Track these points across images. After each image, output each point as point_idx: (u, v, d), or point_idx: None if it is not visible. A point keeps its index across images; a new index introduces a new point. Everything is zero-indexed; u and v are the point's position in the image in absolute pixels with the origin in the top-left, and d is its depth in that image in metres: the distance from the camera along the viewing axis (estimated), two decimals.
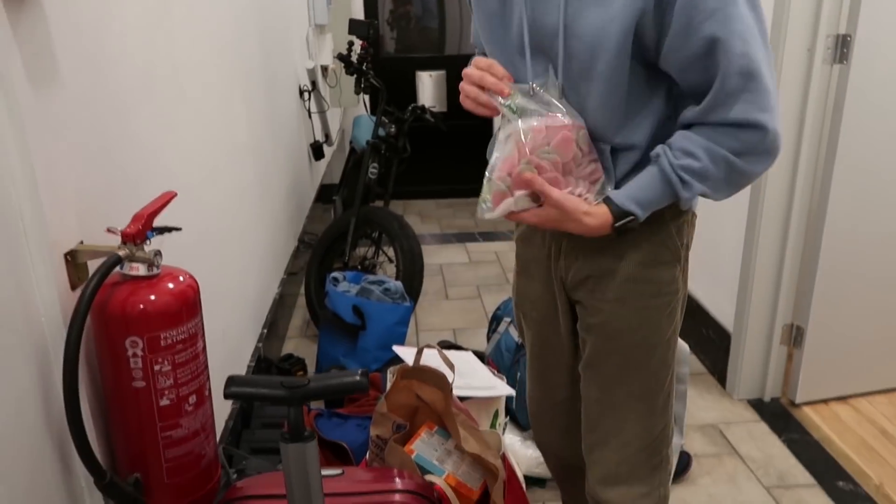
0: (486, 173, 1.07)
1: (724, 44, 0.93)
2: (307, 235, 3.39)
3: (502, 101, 1.05)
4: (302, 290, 2.93)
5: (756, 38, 0.94)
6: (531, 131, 1.03)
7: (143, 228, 1.06)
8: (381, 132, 3.00)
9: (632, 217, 1.04)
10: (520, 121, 1.04)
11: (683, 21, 0.94)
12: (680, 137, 1.02)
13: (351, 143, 3.43)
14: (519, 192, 1.05)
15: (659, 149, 1.03)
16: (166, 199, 1.13)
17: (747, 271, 2.30)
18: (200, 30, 1.78)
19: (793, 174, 2.18)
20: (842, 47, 2.04)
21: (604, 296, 1.14)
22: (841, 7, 2.03)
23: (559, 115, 1.04)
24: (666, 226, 1.11)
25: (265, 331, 2.33)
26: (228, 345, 1.88)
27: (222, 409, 1.81)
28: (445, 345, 2.35)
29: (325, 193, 4.05)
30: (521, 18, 1.05)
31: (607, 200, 1.05)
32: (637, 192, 1.03)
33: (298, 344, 2.75)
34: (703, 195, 1.04)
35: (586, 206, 1.04)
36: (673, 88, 1.05)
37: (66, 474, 0.98)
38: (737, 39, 0.93)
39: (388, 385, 1.51)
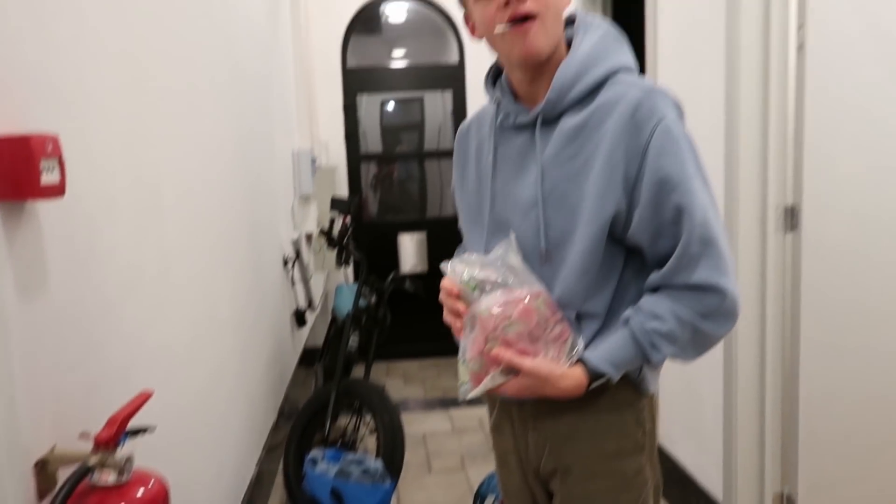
0: (459, 357, 1.11)
1: (688, 212, 1.03)
2: (288, 404, 3.35)
3: (463, 279, 1.11)
4: (280, 467, 2.84)
5: (710, 210, 1.05)
6: (491, 309, 1.08)
7: (116, 433, 1.06)
8: (362, 303, 3.07)
9: (606, 377, 1.07)
10: (480, 301, 1.10)
11: (653, 194, 1.04)
12: (648, 301, 1.08)
13: (333, 311, 3.49)
14: (493, 369, 1.09)
15: (629, 311, 1.08)
16: (142, 401, 1.14)
17: (730, 438, 2.29)
18: (190, 220, 1.86)
19: (761, 340, 2.24)
20: (791, 217, 2.17)
21: (571, 491, 1.14)
22: (785, 180, 2.19)
23: (517, 286, 1.10)
24: (624, 415, 1.13)
25: None
26: None
27: None
28: None
29: (308, 358, 4.05)
30: (494, 194, 1.16)
31: (582, 361, 1.08)
32: (609, 354, 1.07)
33: None
34: (673, 357, 1.09)
35: (560, 370, 1.07)
36: (628, 259, 1.13)
37: None
38: (697, 209, 1.03)
39: None
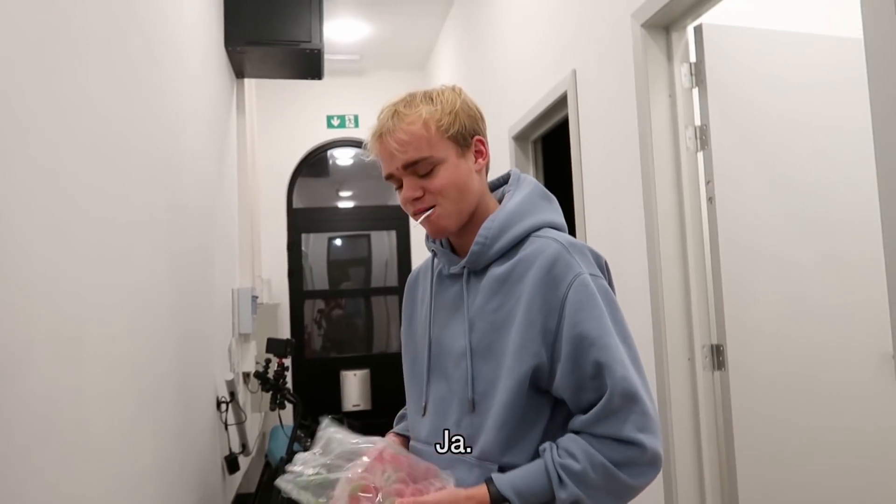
0: None
1: (608, 368, 1.05)
2: None
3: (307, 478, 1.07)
4: None
5: (631, 365, 1.08)
6: (358, 473, 1.05)
7: None
8: (296, 447, 2.96)
9: (507, 502, 1.04)
10: (341, 480, 1.05)
11: (571, 349, 1.06)
12: (566, 439, 1.08)
13: (266, 455, 3.34)
14: None
15: (546, 444, 1.08)
16: None
17: None
18: (113, 363, 1.81)
19: (699, 472, 2.25)
20: (718, 355, 2.25)
21: None
22: (709, 320, 2.29)
23: (362, 445, 1.09)
24: None
25: None
26: None
27: None
28: None
29: (242, 503, 3.81)
30: (431, 341, 1.20)
31: (489, 481, 1.06)
32: (518, 481, 1.05)
33: None
34: (579, 501, 1.04)
35: (465, 491, 1.05)
36: (555, 411, 1.13)
37: None
38: (617, 365, 1.05)
39: None
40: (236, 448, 3.62)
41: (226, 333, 3.72)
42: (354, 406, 3.83)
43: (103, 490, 1.71)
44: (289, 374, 3.24)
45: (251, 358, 4.45)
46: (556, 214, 1.22)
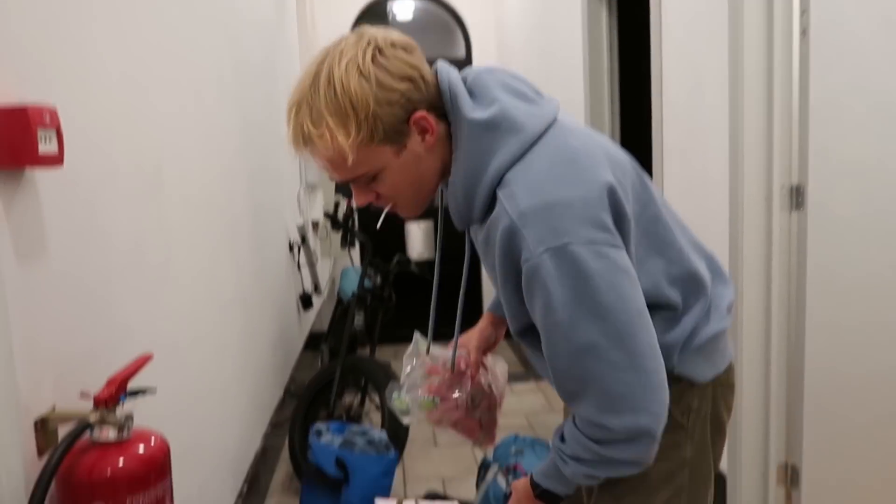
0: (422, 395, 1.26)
1: (550, 361, 1.00)
2: (294, 384, 3.37)
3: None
4: (287, 442, 2.87)
5: (575, 352, 0.95)
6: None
7: (115, 392, 1.08)
8: (367, 283, 3.08)
9: (544, 489, 1.10)
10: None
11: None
12: (567, 421, 1.07)
13: (338, 293, 3.51)
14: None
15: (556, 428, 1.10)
16: (141, 363, 1.16)
17: (735, 412, 2.28)
18: (191, 197, 1.88)
19: (766, 316, 2.24)
20: (797, 196, 2.16)
21: None
22: (791, 160, 2.18)
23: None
24: None
25: (245, 486, 2.27)
26: (206, 503, 1.83)
27: None
28: (432, 495, 2.28)
29: (314, 342, 4.07)
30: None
31: (531, 476, 1.13)
32: (543, 466, 1.12)
33: (281, 501, 2.65)
34: (590, 475, 1.04)
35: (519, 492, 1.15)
36: None
37: None
38: (556, 359, 0.99)
39: None
40: (309, 288, 3.81)
41: (294, 182, 3.82)
42: (419, 256, 3.92)
43: (190, 314, 1.84)
44: (356, 217, 3.32)
45: (319, 207, 4.57)
46: (508, 143, 0.99)
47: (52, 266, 1.11)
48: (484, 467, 2.33)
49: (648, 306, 0.99)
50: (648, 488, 1.12)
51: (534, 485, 1.12)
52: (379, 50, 0.96)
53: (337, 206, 3.18)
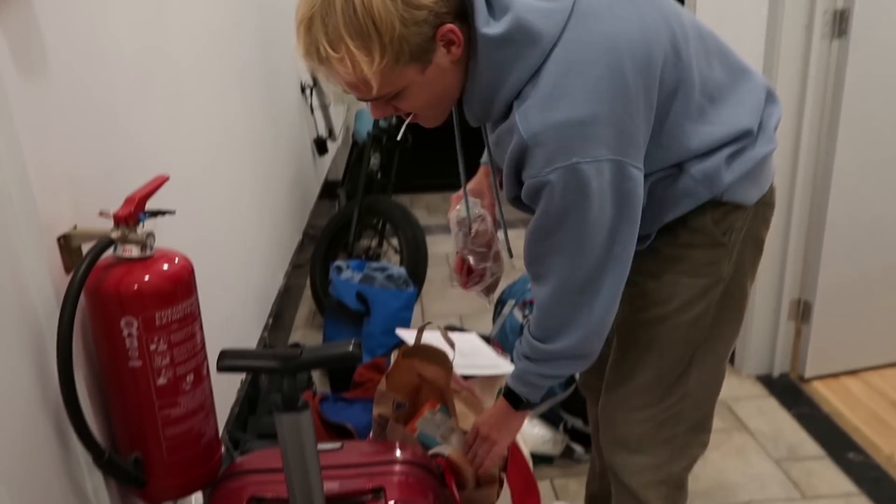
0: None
1: (530, 231, 1.05)
2: (312, 229, 3.41)
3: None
4: (308, 281, 2.95)
5: (543, 277, 1.06)
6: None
7: (135, 210, 1.07)
8: (382, 123, 3.01)
9: (510, 389, 1.18)
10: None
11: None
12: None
13: (353, 136, 3.44)
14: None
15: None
16: (159, 183, 1.14)
17: None
18: (196, 24, 1.79)
19: (795, 148, 2.17)
20: (840, 22, 2.02)
21: (639, 268, 1.11)
22: None
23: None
24: (704, 216, 1.10)
25: (270, 320, 2.35)
26: (232, 333, 1.90)
27: (228, 396, 1.82)
28: (450, 328, 2.35)
29: (330, 189, 4.06)
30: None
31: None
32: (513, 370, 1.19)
33: (305, 334, 2.76)
34: (535, 373, 1.14)
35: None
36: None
37: (65, 453, 0.99)
38: (532, 279, 1.08)
39: (391, 364, 1.52)
40: (323, 132, 3.74)
41: None
42: None
43: (208, 153, 1.80)
44: None
45: None
46: (525, 56, 0.94)
47: (56, 83, 1.06)
48: (500, 303, 2.38)
49: (691, 157, 1.05)
50: (682, 302, 1.14)
51: (505, 389, 1.20)
52: None
53: None
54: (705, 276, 1.12)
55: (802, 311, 2.30)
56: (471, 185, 1.38)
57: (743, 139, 1.07)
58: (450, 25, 0.92)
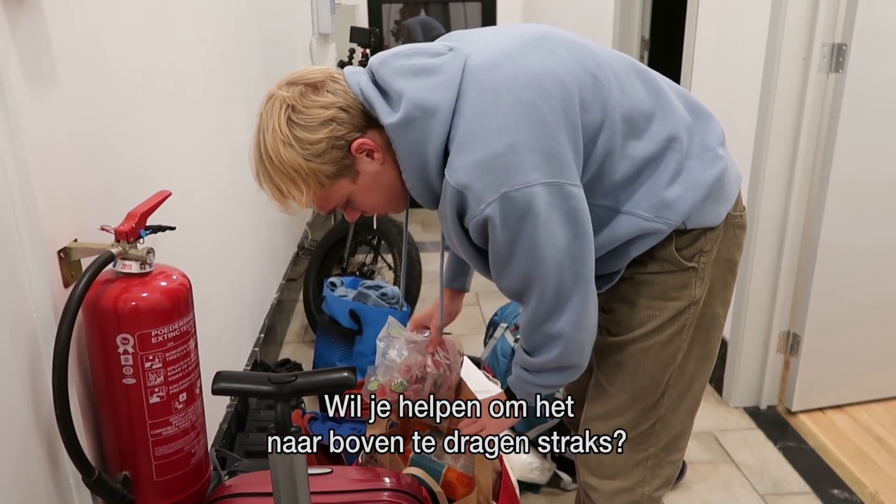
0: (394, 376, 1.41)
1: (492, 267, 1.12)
2: (307, 242, 3.40)
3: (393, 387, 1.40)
4: (301, 296, 2.94)
5: (527, 279, 1.06)
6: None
7: (136, 226, 1.07)
8: None
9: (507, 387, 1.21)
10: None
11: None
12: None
13: None
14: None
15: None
16: (161, 199, 1.14)
17: (743, 279, 2.30)
18: (202, 35, 1.81)
19: (789, 179, 2.19)
20: (837, 56, 2.05)
21: (613, 295, 1.17)
22: (837, 16, 2.05)
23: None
24: (667, 248, 1.13)
25: (262, 335, 2.34)
26: (224, 348, 1.89)
27: (217, 413, 1.82)
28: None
29: None
30: None
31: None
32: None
33: (296, 349, 2.75)
34: (530, 382, 1.18)
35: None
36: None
37: (54, 470, 0.99)
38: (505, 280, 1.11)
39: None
40: None
41: (306, 32, 3.65)
42: None
43: (209, 163, 1.80)
44: None
45: (332, 59, 4.40)
46: (432, 128, 0.99)
47: (63, 92, 1.06)
48: (492, 325, 2.39)
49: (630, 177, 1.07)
50: (657, 324, 1.16)
51: (507, 390, 1.23)
52: (292, 108, 0.99)
53: (352, 53, 3.04)
54: (677, 300, 1.15)
55: (791, 344, 2.31)
56: (418, 316, 1.48)
57: (671, 148, 1.08)
58: (359, 140, 1.01)
